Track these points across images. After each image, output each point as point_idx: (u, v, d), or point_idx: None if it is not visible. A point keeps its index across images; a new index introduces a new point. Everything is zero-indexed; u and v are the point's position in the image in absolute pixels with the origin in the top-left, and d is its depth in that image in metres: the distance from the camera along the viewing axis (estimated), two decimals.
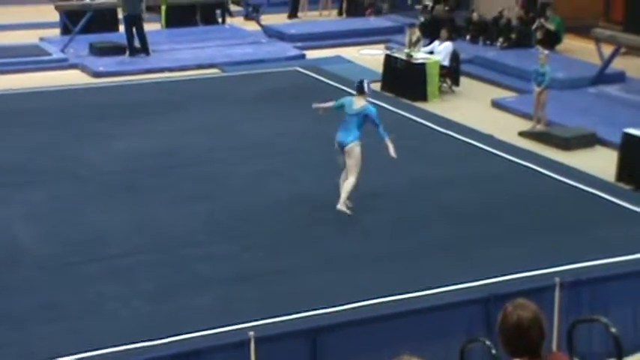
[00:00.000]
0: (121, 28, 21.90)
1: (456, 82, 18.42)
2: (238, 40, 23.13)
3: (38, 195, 12.19)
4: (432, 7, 24.59)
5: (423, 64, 17.77)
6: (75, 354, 8.09)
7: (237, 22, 25.95)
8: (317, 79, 18.64)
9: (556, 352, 5.87)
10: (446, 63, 18.12)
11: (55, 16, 23.30)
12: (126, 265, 10.07)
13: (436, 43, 18.70)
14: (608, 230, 10.84)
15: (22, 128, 15.32)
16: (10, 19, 25.36)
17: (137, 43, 21.09)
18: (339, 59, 21.10)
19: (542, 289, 8.83)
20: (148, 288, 9.54)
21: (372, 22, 25.30)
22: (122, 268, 9.99)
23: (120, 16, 22.30)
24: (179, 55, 21.40)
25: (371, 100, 11.65)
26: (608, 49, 18.43)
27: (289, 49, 22.09)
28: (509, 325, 4.22)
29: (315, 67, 19.85)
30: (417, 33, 19.57)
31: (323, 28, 24.44)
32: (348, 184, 11.26)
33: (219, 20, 25.56)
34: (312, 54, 21.70)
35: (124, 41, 21.20)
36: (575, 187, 12.32)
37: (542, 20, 21.55)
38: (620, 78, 18.53)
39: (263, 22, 24.25)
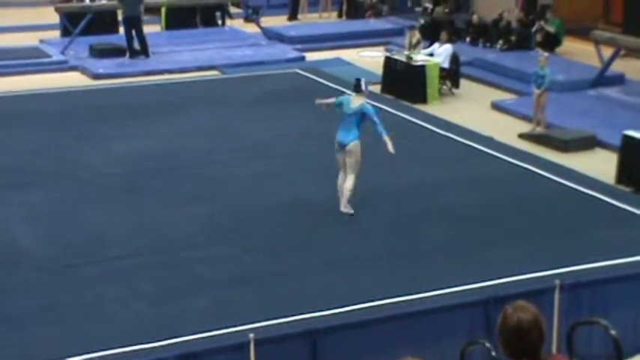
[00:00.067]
0: (121, 30, 21.91)
1: (456, 85, 18.43)
2: (238, 42, 23.14)
3: (38, 196, 12.19)
4: (432, 10, 24.60)
5: (422, 67, 17.77)
6: (74, 356, 8.08)
7: (236, 24, 25.96)
8: (317, 81, 18.64)
9: (556, 355, 5.85)
10: (446, 65, 18.12)
11: (55, 18, 23.31)
12: (125, 267, 10.06)
13: (436, 45, 18.71)
14: (607, 232, 10.84)
15: (22, 130, 15.32)
16: (9, 21, 25.38)
17: (137, 45, 21.10)
18: (338, 61, 21.11)
19: (542, 291, 8.83)
20: (148, 290, 9.53)
21: (372, 24, 25.30)
22: (122, 270, 9.99)
23: (120, 18, 22.30)
24: (179, 57, 21.41)
25: (369, 100, 11.63)
26: (607, 52, 18.43)
27: (289, 51, 22.10)
28: (508, 327, 4.22)
29: (315, 69, 19.85)
30: (416, 35, 19.59)
31: (323, 30, 24.46)
32: (348, 184, 11.27)
33: (219, 22, 25.57)
34: (311, 56, 21.71)
35: (123, 43, 21.20)
36: (575, 189, 12.32)
37: (542, 23, 21.56)
38: (619, 80, 18.53)
39: (263, 24, 24.25)
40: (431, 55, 18.43)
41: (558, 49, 21.39)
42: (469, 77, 19.23)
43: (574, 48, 21.67)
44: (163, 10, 24.48)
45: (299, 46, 22.57)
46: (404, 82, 17.86)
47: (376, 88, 17.81)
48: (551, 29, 21.39)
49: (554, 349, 8.25)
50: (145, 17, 21.77)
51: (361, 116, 11.20)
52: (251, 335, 7.88)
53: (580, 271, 9.55)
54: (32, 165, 13.55)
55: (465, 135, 14.80)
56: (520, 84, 18.21)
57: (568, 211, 11.61)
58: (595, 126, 15.30)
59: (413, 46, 19.00)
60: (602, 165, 13.47)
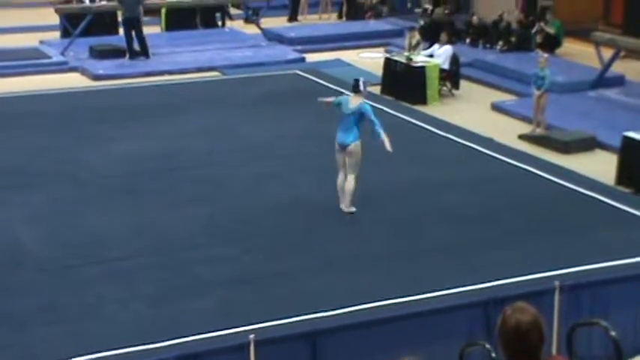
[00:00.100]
0: (121, 31, 21.91)
1: (456, 86, 18.43)
2: (238, 43, 23.15)
3: (38, 198, 12.19)
4: (432, 11, 24.61)
5: (422, 68, 17.78)
6: (75, 356, 8.09)
7: (237, 25, 25.97)
8: (317, 82, 18.64)
9: (556, 356, 5.86)
10: (446, 66, 18.13)
11: (55, 19, 23.32)
12: (126, 268, 10.07)
13: (436, 46, 18.71)
14: (607, 234, 10.85)
15: (22, 131, 15.33)
16: (10, 22, 25.38)
17: (137, 47, 21.10)
18: (338, 62, 21.11)
19: (541, 292, 8.83)
20: (148, 291, 9.54)
21: (372, 25, 25.30)
22: (122, 271, 9.99)
23: (120, 19, 22.30)
24: (179, 58, 21.41)
25: (368, 101, 11.64)
26: (607, 53, 18.44)
27: (289, 52, 22.11)
28: (508, 328, 4.22)
29: (315, 70, 19.86)
30: (416, 36, 19.59)
31: (323, 31, 24.46)
32: (349, 185, 11.29)
33: (219, 23, 25.58)
34: (311, 57, 21.72)
35: (123, 44, 21.20)
36: (575, 190, 12.33)
37: (541, 24, 21.56)
38: (619, 81, 18.53)
39: (263, 26, 24.25)
40: (431, 56, 18.43)
41: (558, 51, 21.40)
42: (469, 78, 19.24)
43: (574, 49, 21.68)
44: (163, 11, 24.48)
45: (299, 47, 22.58)
46: (404, 83, 17.86)
47: (376, 89, 17.82)
48: (551, 30, 21.40)
49: (554, 351, 8.25)
50: (144, 18, 21.78)
51: (359, 116, 11.23)
52: (251, 336, 7.89)
53: (580, 272, 9.55)
54: (32, 166, 13.56)
55: (464, 136, 14.81)
56: (520, 85, 18.21)
57: (568, 212, 11.62)
58: (595, 127, 15.31)
59: (413, 48, 19.00)
60: (602, 166, 13.48)
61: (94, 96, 18.09)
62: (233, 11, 26.97)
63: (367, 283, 9.50)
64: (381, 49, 22.04)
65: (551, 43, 21.18)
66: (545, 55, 16.69)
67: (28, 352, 8.37)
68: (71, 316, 9.03)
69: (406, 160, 13.50)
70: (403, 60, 18.21)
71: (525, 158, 13.71)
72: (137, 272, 9.98)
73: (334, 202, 11.46)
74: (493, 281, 9.38)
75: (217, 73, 20.40)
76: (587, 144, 14.81)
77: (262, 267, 10.08)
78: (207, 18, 25.20)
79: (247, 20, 26.30)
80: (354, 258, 10.25)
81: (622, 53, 18.81)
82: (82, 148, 14.39)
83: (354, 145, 11.20)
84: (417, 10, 26.34)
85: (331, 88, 17.45)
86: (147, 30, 21.61)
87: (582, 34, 21.09)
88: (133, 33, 20.92)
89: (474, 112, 16.97)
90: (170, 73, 20.24)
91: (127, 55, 21.08)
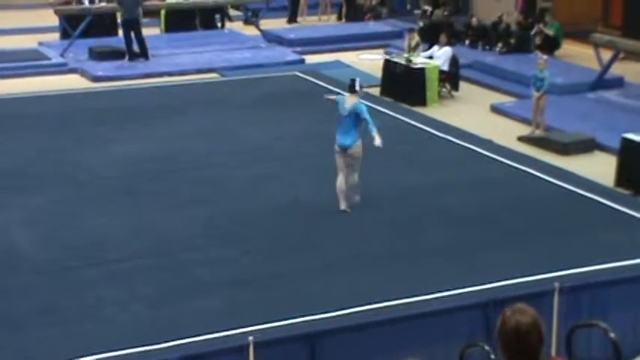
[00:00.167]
0: (120, 32, 21.90)
1: (455, 87, 18.42)
2: (237, 44, 23.14)
3: (37, 199, 12.19)
4: (431, 12, 24.60)
5: (422, 69, 17.77)
6: (74, 358, 8.09)
7: (236, 26, 25.96)
8: (316, 83, 18.64)
9: (555, 357, 5.86)
10: (445, 68, 18.12)
11: (54, 21, 23.31)
12: (125, 270, 10.07)
13: (435, 47, 18.71)
14: (607, 235, 10.85)
15: (22, 132, 15.32)
16: (9, 24, 25.35)
17: (136, 48, 21.09)
18: (338, 64, 21.11)
19: (541, 293, 8.83)
20: (147, 292, 9.54)
21: (371, 26, 25.30)
22: (121, 273, 9.99)
23: (119, 20, 22.29)
24: (178, 59, 21.40)
25: (364, 101, 11.64)
26: (606, 55, 18.44)
27: (288, 54, 22.10)
28: (507, 329, 4.22)
29: (315, 71, 19.86)
30: (416, 38, 19.57)
31: (322, 32, 24.45)
32: (353, 180, 11.39)
33: (219, 25, 25.56)
34: (311, 59, 21.71)
35: (123, 46, 21.19)
36: (574, 192, 12.33)
37: (541, 25, 21.56)
38: (618, 83, 18.53)
39: (262, 27, 24.24)
40: (430, 57, 18.43)
41: (557, 52, 21.39)
42: (468, 80, 19.23)
43: (573, 51, 21.67)
44: (163, 12, 24.47)
45: (298, 49, 22.57)
46: (403, 84, 17.86)
47: (375, 91, 17.82)
48: (550, 32, 21.39)
49: (553, 352, 8.25)
50: (144, 20, 21.77)
51: (356, 117, 11.28)
52: (250, 338, 7.88)
53: (579, 273, 9.56)
54: (32, 168, 13.55)
55: (464, 138, 14.81)
56: (519, 87, 18.20)
57: (567, 214, 11.62)
58: (594, 129, 15.30)
59: (412, 49, 18.99)
60: (601, 168, 13.47)
61: (94, 97, 18.09)
62: (232, 13, 26.96)
63: (366, 285, 9.50)
64: (381, 51, 22.03)
65: (550, 45, 21.17)
66: (545, 56, 16.67)
67: (26, 354, 8.36)
68: (70, 317, 9.03)
69: (405, 162, 13.50)
70: (402, 61, 18.20)
71: (525, 160, 13.71)
72: (136, 274, 9.98)
73: (333, 204, 11.46)
74: (493, 283, 9.39)
75: (217, 74, 20.40)
76: (587, 145, 14.80)
77: (261, 268, 10.08)
78: (207, 19, 25.18)
79: (247, 22, 26.29)
80: (354, 259, 10.25)
81: (621, 55, 18.80)
82: (81, 149, 14.39)
83: (356, 147, 11.29)
84: (417, 11, 26.33)
85: (331, 90, 17.45)
86: (146, 31, 21.60)
87: (581, 35, 21.08)
88: (133, 34, 20.91)
89: (474, 114, 16.97)
90: (169, 74, 20.23)
91: (127, 57, 21.06)
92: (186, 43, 22.87)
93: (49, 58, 21.22)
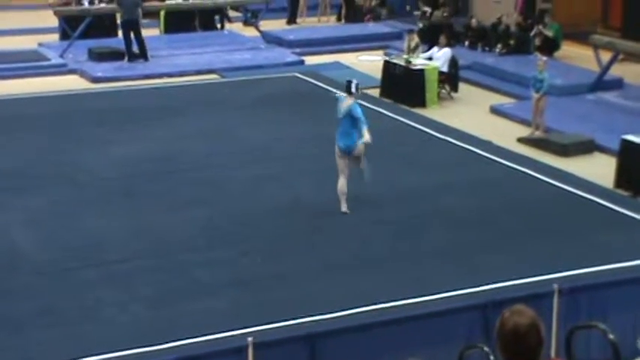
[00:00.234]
0: (120, 33, 21.89)
1: (455, 88, 18.43)
2: (237, 45, 23.13)
3: (37, 200, 12.19)
4: (431, 13, 24.58)
5: (421, 70, 17.77)
6: (73, 359, 8.09)
7: (235, 27, 25.94)
8: (316, 84, 18.65)
9: (555, 358, 5.87)
10: (444, 69, 18.12)
11: (54, 22, 23.30)
12: (124, 271, 10.07)
13: (435, 49, 18.71)
14: (606, 236, 10.85)
15: (21, 133, 15.32)
16: (9, 24, 25.34)
17: (136, 49, 21.09)
18: (337, 65, 21.10)
19: (540, 295, 8.82)
20: (147, 293, 9.54)
21: (371, 28, 25.30)
22: (120, 274, 9.99)
23: (119, 21, 22.29)
24: (178, 60, 21.40)
25: (360, 102, 11.64)
26: (606, 56, 18.44)
27: (288, 55, 22.10)
28: (506, 331, 4.22)
29: (314, 72, 19.86)
30: (415, 39, 19.56)
31: (322, 34, 24.44)
32: (363, 163, 11.52)
33: (218, 26, 25.55)
34: (310, 60, 21.71)
35: (122, 47, 21.18)
36: (574, 193, 12.34)
37: (540, 27, 21.56)
38: (618, 84, 18.53)
39: (262, 28, 24.24)
40: (430, 58, 18.43)
41: (557, 54, 21.39)
42: (468, 81, 19.23)
43: (573, 52, 21.68)
44: (162, 13, 24.46)
45: (298, 50, 22.56)
46: (403, 86, 17.86)
47: (375, 92, 17.82)
48: (549, 33, 21.40)
49: (552, 353, 8.25)
50: (143, 21, 21.77)
51: (352, 118, 11.32)
52: (249, 339, 7.87)
53: (578, 275, 9.56)
54: (31, 168, 13.55)
55: (463, 139, 14.81)
56: (519, 88, 18.20)
57: (567, 215, 11.62)
58: (594, 130, 15.30)
59: (412, 50, 18.99)
60: (600, 169, 13.48)
61: (93, 98, 18.09)
62: (232, 14, 26.94)
63: (366, 286, 9.51)
64: (380, 52, 22.03)
65: (549, 46, 21.18)
66: (544, 58, 16.68)
67: (26, 355, 8.37)
68: (70, 318, 9.03)
69: (405, 163, 13.51)
70: (402, 63, 18.20)
71: (524, 161, 13.71)
72: (136, 275, 9.98)
73: (333, 205, 11.46)
74: (492, 284, 9.39)
75: (216, 75, 20.40)
76: (586, 147, 14.81)
77: (261, 269, 10.08)
78: (206, 20, 25.17)
79: (246, 23, 26.28)
80: (353, 261, 10.25)
81: (620, 56, 18.80)
82: (80, 150, 14.39)
83: (358, 147, 11.32)
84: (416, 12, 26.30)
85: (330, 91, 17.45)
86: (146, 32, 21.59)
87: (581, 37, 21.09)
88: (132, 35, 20.91)
89: (473, 115, 16.97)
90: (169, 75, 20.22)
91: (126, 58, 21.05)
92: (185, 44, 22.86)
93: (48, 59, 21.21)
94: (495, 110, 17.27)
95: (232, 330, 8.44)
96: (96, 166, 13.63)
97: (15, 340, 8.60)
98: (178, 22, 24.46)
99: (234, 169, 13.46)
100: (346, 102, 11.47)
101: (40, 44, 22.87)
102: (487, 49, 21.76)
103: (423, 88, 17.63)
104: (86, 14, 22.50)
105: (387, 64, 18.65)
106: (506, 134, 15.50)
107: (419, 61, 18.28)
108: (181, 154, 14.13)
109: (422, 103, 17.52)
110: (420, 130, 15.51)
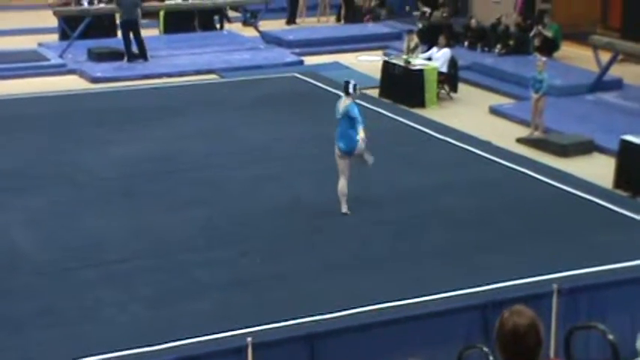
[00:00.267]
0: (119, 33, 21.90)
1: (454, 89, 18.44)
2: (236, 46, 23.14)
3: (37, 200, 12.19)
4: (430, 14, 24.59)
5: (421, 71, 17.78)
6: (73, 359, 8.09)
7: (235, 28, 25.95)
8: (315, 85, 18.66)
9: (554, 359, 5.88)
10: (444, 69, 18.13)
11: (53, 22, 23.30)
12: (124, 271, 10.07)
13: (434, 49, 18.72)
14: (605, 237, 10.86)
15: (21, 133, 15.32)
16: (8, 25, 25.34)
17: (135, 49, 21.09)
18: (337, 65, 21.11)
19: (539, 295, 8.83)
20: (146, 293, 9.55)
21: (370, 28, 25.30)
22: (120, 274, 10.00)
23: (118, 21, 22.29)
24: (177, 60, 21.40)
25: (357, 102, 11.64)
26: (605, 56, 18.45)
27: (287, 55, 22.10)
28: (505, 331, 4.23)
29: (313, 73, 19.86)
30: (414, 39, 19.58)
31: (321, 34, 24.45)
32: (370, 160, 11.55)
33: (217, 26, 25.56)
34: (310, 60, 21.72)
35: (122, 47, 21.18)
36: (573, 193, 12.34)
37: (539, 27, 21.57)
38: (617, 85, 18.54)
39: (261, 28, 24.24)
40: (429, 59, 18.44)
41: (556, 54, 21.39)
42: (467, 81, 19.24)
43: (572, 53, 21.69)
44: (162, 13, 24.46)
45: (297, 50, 22.57)
46: (402, 86, 17.87)
47: (374, 93, 17.83)
48: (549, 34, 21.41)
49: (552, 354, 8.26)
50: (143, 21, 21.77)
51: (350, 118, 11.33)
52: (249, 339, 7.88)
53: (578, 275, 9.57)
54: (31, 169, 13.55)
55: (463, 139, 14.82)
56: (518, 88, 18.21)
57: (566, 216, 11.63)
58: (593, 130, 15.31)
59: (411, 51, 19.00)
60: (599, 169, 13.49)
61: (93, 98, 18.09)
62: (231, 14, 26.94)
63: (366, 286, 9.51)
64: (380, 52, 22.04)
65: (549, 47, 21.19)
66: (544, 58, 16.69)
67: (26, 355, 8.37)
68: (69, 319, 9.04)
69: (404, 163, 13.51)
70: (401, 63, 18.21)
71: (523, 161, 13.72)
72: (135, 275, 9.98)
73: (333, 205, 11.47)
74: (491, 284, 9.39)
75: (215, 75, 20.40)
76: (585, 147, 14.82)
77: (260, 269, 10.08)
78: (206, 21, 25.17)
79: (245, 23, 26.28)
80: (352, 261, 10.26)
81: (620, 57, 18.81)
82: (80, 150, 14.39)
83: (358, 148, 11.33)
84: (415, 13, 26.31)
85: (329, 91, 17.46)
86: (145, 33, 21.60)
87: (580, 37, 21.10)
88: (132, 35, 20.92)
89: (472, 116, 16.98)
90: (168, 75, 20.23)
91: (126, 58, 21.06)
92: (185, 44, 22.86)
93: (48, 59, 21.21)
94: (495, 110, 17.28)
95: (232, 330, 8.45)
96: (96, 166, 13.64)
97: (15, 340, 8.60)
98: (178, 22, 24.46)
99: (234, 169, 13.46)
100: (344, 102, 11.48)
101: (39, 44, 22.87)
102: (486, 49, 21.77)
103: (423, 89, 17.64)
104: (85, 14, 22.50)
105: (386, 64, 18.66)
106: (506, 134, 15.51)
107: (418, 61, 18.29)
108: (181, 154, 14.14)
109: (421, 104, 17.53)
110: (419, 130, 15.52)
